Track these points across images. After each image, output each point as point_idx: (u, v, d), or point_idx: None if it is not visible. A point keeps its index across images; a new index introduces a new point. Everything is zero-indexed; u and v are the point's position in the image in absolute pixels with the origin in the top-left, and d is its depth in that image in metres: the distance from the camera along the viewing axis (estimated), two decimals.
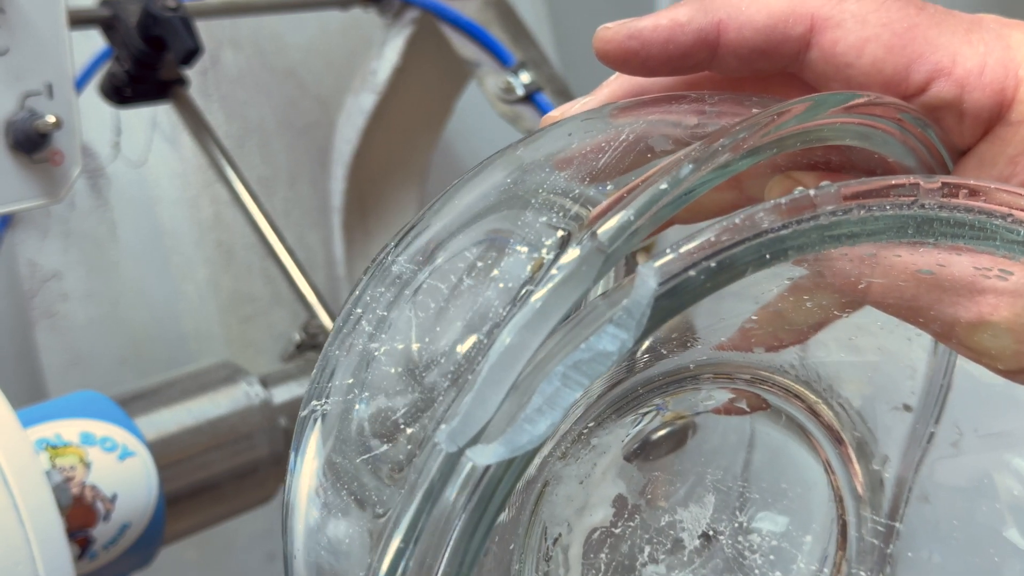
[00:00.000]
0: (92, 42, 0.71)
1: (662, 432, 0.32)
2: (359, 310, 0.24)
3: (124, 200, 0.81)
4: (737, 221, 0.20)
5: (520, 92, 0.74)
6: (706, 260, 0.20)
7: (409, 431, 0.21)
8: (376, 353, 0.23)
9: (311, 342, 0.71)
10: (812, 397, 0.32)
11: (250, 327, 0.87)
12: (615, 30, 0.27)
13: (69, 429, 0.49)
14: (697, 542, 0.33)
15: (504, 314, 0.21)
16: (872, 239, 0.21)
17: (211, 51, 0.83)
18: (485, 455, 0.19)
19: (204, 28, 0.70)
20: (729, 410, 0.32)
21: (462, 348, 0.21)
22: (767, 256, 0.20)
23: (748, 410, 0.32)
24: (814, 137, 0.23)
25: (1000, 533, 0.30)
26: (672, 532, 0.33)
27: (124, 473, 0.50)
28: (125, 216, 0.81)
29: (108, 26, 0.66)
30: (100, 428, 0.50)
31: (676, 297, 0.20)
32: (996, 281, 0.23)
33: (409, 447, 0.21)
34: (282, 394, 0.61)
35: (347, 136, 0.84)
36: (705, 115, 0.24)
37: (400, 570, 0.20)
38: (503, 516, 0.22)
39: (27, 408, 0.50)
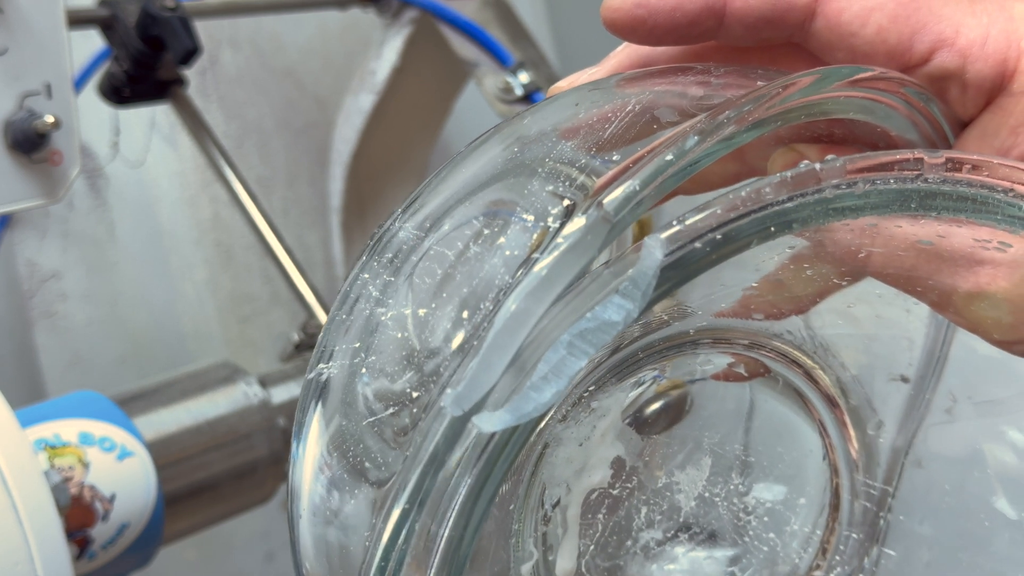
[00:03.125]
0: (91, 42, 0.71)
1: (659, 404, 0.32)
2: (365, 275, 0.24)
3: (123, 200, 0.81)
4: (743, 194, 0.20)
5: (519, 92, 0.74)
6: (712, 232, 0.20)
7: (415, 395, 0.21)
8: (382, 318, 0.23)
9: (310, 342, 0.71)
10: (809, 363, 0.32)
11: (249, 327, 0.87)
12: None
13: (68, 429, 0.49)
14: (693, 504, 0.33)
15: (510, 281, 0.21)
16: (875, 212, 0.21)
17: (210, 51, 0.83)
18: (491, 422, 0.19)
19: (203, 28, 0.70)
20: (728, 376, 0.32)
21: (467, 314, 0.21)
22: (772, 228, 0.20)
23: (747, 375, 0.32)
24: (818, 110, 0.23)
25: (989, 501, 0.31)
26: (669, 494, 0.33)
27: (123, 473, 0.50)
28: (124, 216, 0.81)
29: (107, 26, 0.66)
30: (99, 428, 0.50)
31: (681, 268, 0.20)
32: (995, 253, 0.23)
33: (415, 411, 0.21)
34: (281, 394, 0.61)
35: (346, 136, 0.84)
36: (711, 87, 0.24)
37: (404, 533, 0.20)
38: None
39: (26, 408, 0.50)
